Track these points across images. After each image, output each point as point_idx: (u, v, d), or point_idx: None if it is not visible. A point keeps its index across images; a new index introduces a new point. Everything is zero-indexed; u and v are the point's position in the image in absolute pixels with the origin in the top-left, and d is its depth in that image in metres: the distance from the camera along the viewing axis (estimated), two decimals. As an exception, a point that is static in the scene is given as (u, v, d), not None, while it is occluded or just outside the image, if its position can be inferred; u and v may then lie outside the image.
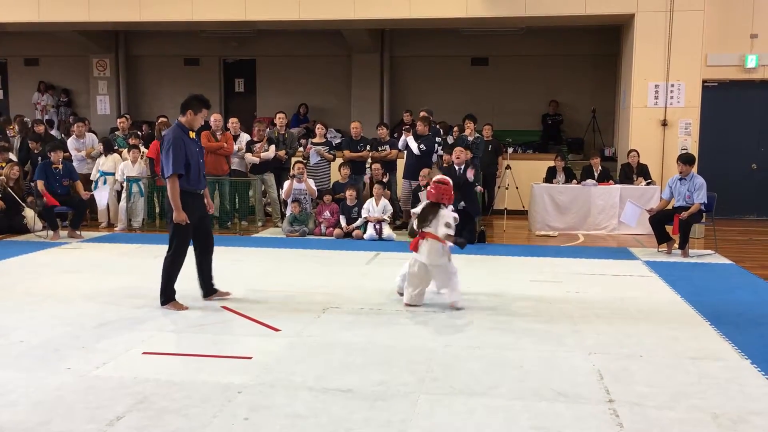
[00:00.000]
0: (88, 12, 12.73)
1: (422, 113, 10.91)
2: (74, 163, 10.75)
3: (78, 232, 9.73)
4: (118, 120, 12.44)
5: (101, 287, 6.59)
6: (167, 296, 5.82)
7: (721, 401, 3.89)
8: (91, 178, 10.84)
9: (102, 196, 10.68)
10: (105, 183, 10.78)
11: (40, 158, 10.72)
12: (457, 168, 9.52)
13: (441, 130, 11.29)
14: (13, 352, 4.67)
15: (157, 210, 10.90)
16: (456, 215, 5.96)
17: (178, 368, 4.36)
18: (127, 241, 9.41)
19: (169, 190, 5.65)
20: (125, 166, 10.72)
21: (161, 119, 11.54)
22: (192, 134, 5.80)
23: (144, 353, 4.65)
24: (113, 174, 10.89)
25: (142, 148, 11.00)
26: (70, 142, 11.32)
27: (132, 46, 16.51)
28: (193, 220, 5.75)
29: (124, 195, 10.68)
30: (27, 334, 5.06)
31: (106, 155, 10.92)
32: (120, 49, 16.35)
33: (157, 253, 8.42)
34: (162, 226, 10.70)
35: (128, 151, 10.80)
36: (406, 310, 5.83)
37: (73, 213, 9.83)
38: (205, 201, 6.08)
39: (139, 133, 12.31)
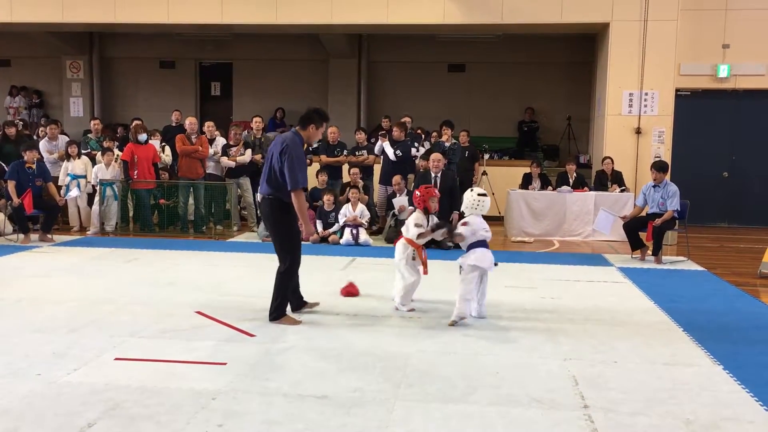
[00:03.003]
0: (62, 13, 12.56)
1: (404, 119, 10.94)
2: (47, 166, 10.57)
3: (49, 236, 9.58)
4: (92, 122, 12.26)
5: (73, 292, 6.49)
6: (279, 313, 5.51)
7: (694, 407, 3.93)
8: (60, 183, 10.66)
9: (73, 192, 10.50)
10: (78, 186, 10.62)
11: (2, 164, 10.50)
12: (433, 175, 9.53)
13: (422, 136, 11.31)
14: (-20, 358, 4.57)
15: (131, 213, 10.77)
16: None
17: (150, 374, 4.29)
18: (99, 245, 9.28)
19: (296, 204, 5.33)
20: (99, 169, 10.58)
21: (136, 122, 11.41)
22: (304, 146, 5.58)
23: (116, 359, 4.58)
24: (84, 177, 10.74)
25: (117, 151, 10.87)
26: (42, 145, 11.14)
27: (106, 48, 16.33)
28: (297, 228, 5.54)
29: (97, 198, 10.54)
30: (-5, 339, 4.95)
31: (75, 158, 10.76)
32: (94, 50, 16.16)
33: (131, 257, 8.37)
34: (135, 230, 10.58)
35: (102, 154, 10.66)
36: (389, 317, 5.80)
37: (44, 216, 9.67)
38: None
39: (115, 136, 12.21)
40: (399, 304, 5.98)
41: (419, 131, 11.52)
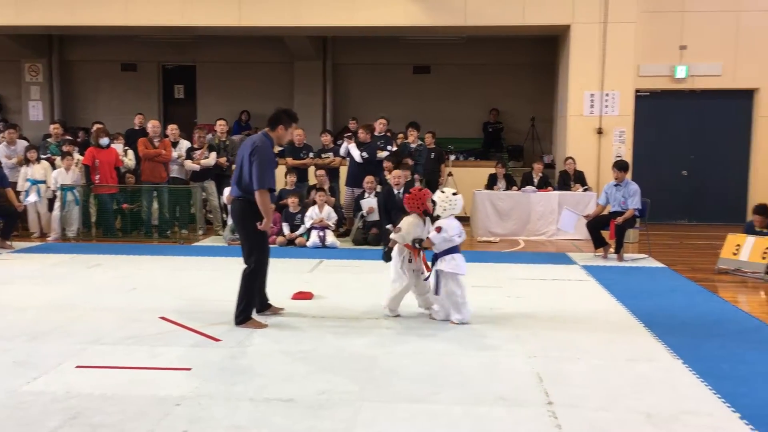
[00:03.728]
0: (17, 15, 12.30)
1: (380, 120, 10.93)
2: (5, 171, 10.36)
3: (8, 243, 9.37)
4: (51, 126, 12.05)
5: (33, 299, 6.36)
6: (246, 315, 5.46)
7: (655, 401, 4.01)
8: (19, 188, 10.44)
9: (32, 198, 10.30)
10: (38, 192, 10.42)
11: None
12: (396, 191, 9.53)
13: (395, 139, 11.31)
14: (-64, 368, 4.46)
15: (93, 219, 10.60)
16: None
17: (113, 381, 4.24)
18: (61, 251, 9.11)
19: (259, 202, 5.32)
20: (59, 173, 10.39)
21: (97, 125, 11.24)
22: (276, 149, 5.56)
23: (78, 366, 4.51)
24: (44, 182, 10.54)
25: (77, 155, 10.69)
26: (0, 150, 10.91)
27: (66, 51, 16.04)
28: (264, 232, 5.51)
29: (57, 204, 10.35)
30: (-48, 349, 4.84)
31: (34, 163, 10.55)
32: (53, 53, 15.85)
33: (93, 262, 8.23)
34: (98, 235, 10.42)
35: (62, 159, 10.48)
36: (355, 320, 5.79)
37: (3, 222, 9.46)
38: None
39: (76, 140, 12.00)
40: (386, 308, 5.82)
41: (389, 133, 11.54)
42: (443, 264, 5.57)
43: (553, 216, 10.71)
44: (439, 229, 5.55)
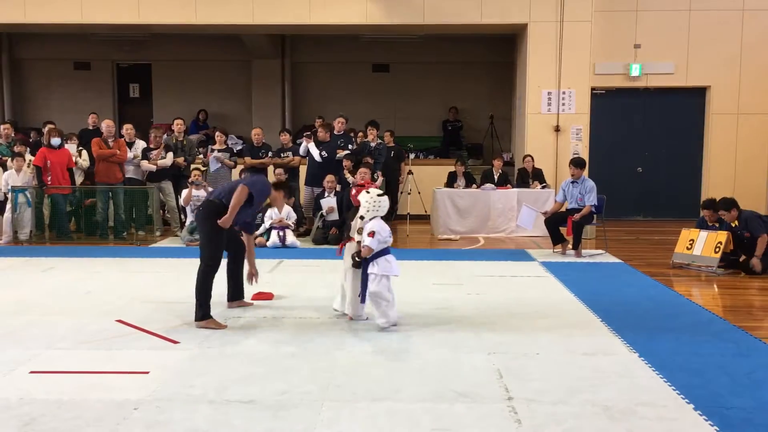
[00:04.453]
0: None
1: (339, 119, 10.90)
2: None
3: (-43, 246, 9.10)
4: (2, 127, 11.70)
5: (-17, 304, 6.18)
6: (204, 312, 5.48)
7: (612, 394, 4.08)
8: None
9: None
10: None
11: None
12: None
13: (354, 138, 11.29)
14: None
15: (47, 221, 10.35)
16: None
17: (69, 387, 4.14)
18: (13, 255, 8.88)
19: (236, 194, 5.47)
20: (9, 175, 10.11)
21: (49, 125, 10.97)
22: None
23: (31, 372, 4.39)
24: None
25: (28, 156, 10.42)
26: (-52, 150, 10.58)
27: (17, 49, 15.63)
28: (229, 231, 5.67)
29: (8, 206, 10.07)
30: None
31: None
32: (3, 52, 15.43)
33: (47, 266, 8.04)
34: (51, 238, 10.18)
35: (12, 160, 10.20)
36: (315, 319, 5.77)
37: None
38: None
39: (28, 140, 11.69)
40: (352, 314, 5.68)
41: (351, 133, 11.53)
42: (375, 267, 5.37)
43: (513, 213, 10.82)
44: (372, 234, 5.34)
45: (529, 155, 11.52)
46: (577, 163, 9.27)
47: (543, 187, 11.14)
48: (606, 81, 12.64)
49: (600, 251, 9.33)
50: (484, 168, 12.35)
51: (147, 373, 4.40)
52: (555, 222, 9.18)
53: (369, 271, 5.41)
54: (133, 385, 4.17)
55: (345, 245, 5.78)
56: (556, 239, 9.20)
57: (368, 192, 5.62)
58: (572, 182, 9.20)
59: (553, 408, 3.86)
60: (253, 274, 6.05)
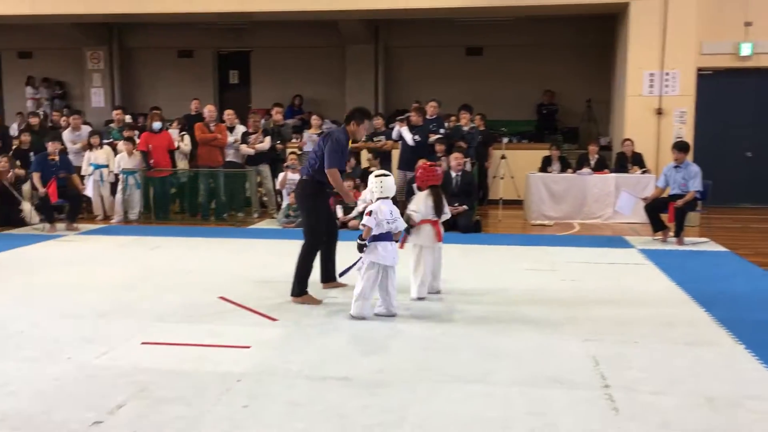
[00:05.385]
0: (83, 4, 12.66)
1: (431, 103, 10.92)
2: (69, 156, 10.74)
3: (75, 225, 9.73)
4: (114, 112, 12.41)
5: (99, 278, 6.61)
6: (301, 289, 5.72)
7: (716, 386, 3.93)
8: (83, 173, 10.81)
9: (89, 186, 10.66)
10: (101, 177, 10.78)
11: (32, 153, 10.69)
12: (454, 174, 9.56)
13: (447, 123, 11.27)
14: (13, 343, 4.69)
15: (152, 202, 10.90)
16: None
17: (176, 358, 4.38)
18: (123, 233, 9.42)
19: (332, 182, 5.75)
20: (121, 158, 10.71)
21: (154, 111, 11.52)
22: (350, 143, 6.06)
23: (143, 343, 4.67)
24: (106, 166, 10.88)
25: (138, 141, 10.99)
26: (66, 135, 11.31)
27: (126, 39, 16.45)
28: (326, 213, 5.98)
29: (120, 187, 10.68)
30: (26, 325, 5.07)
31: (97, 148, 10.91)
32: (114, 41, 16.28)
33: (154, 244, 8.48)
34: (162, 217, 10.71)
35: (124, 143, 10.79)
36: (410, 300, 5.80)
37: (69, 206, 9.82)
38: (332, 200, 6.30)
39: (137, 125, 12.31)
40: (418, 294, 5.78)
41: (449, 117, 11.53)
42: (369, 253, 5.22)
43: (610, 199, 10.52)
44: (369, 213, 5.24)
45: (629, 139, 11.14)
46: (680, 147, 8.90)
47: (643, 172, 10.77)
48: (713, 61, 12.00)
49: (704, 239, 8.94)
50: (579, 153, 12.05)
51: (248, 347, 4.59)
52: (656, 208, 8.86)
53: (361, 254, 5.26)
54: (235, 359, 4.37)
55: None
56: (657, 226, 8.88)
57: (371, 171, 5.75)
58: (675, 167, 8.85)
59: (652, 398, 3.76)
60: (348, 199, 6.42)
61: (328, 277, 6.19)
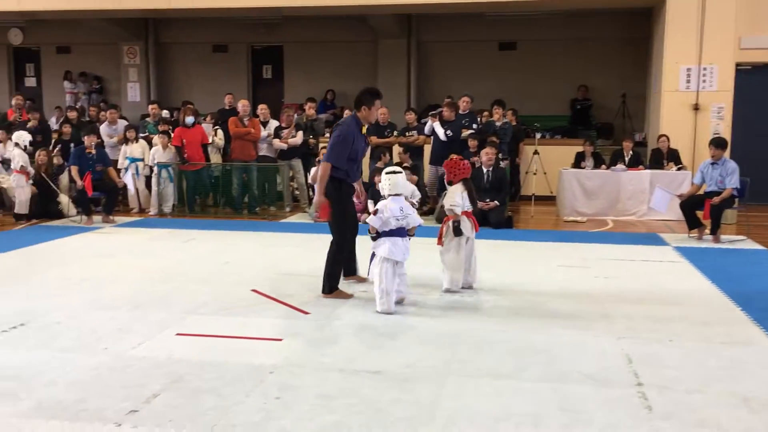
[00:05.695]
0: (119, 0, 12.86)
1: (464, 98, 10.88)
2: (106, 149, 10.92)
3: (111, 217, 9.90)
4: (150, 107, 12.59)
5: (134, 270, 6.72)
6: (332, 286, 5.71)
7: (753, 385, 3.87)
8: (119, 166, 10.99)
9: (127, 178, 10.84)
10: (137, 170, 10.95)
11: (72, 144, 10.93)
12: (485, 170, 9.54)
13: (479, 118, 11.23)
14: (51, 333, 4.79)
15: (185, 196, 11.03)
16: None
17: (210, 349, 4.45)
18: (158, 226, 9.56)
19: (319, 172, 5.70)
20: (156, 151, 10.87)
21: (188, 106, 11.66)
22: (364, 129, 5.82)
23: (177, 334, 4.75)
24: (141, 160, 11.05)
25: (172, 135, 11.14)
26: (103, 129, 11.50)
27: (161, 34, 16.65)
28: (348, 207, 5.87)
29: (154, 180, 10.84)
30: (64, 316, 5.19)
31: (133, 142, 11.09)
32: (149, 36, 16.50)
33: (188, 237, 8.60)
34: (197, 210, 10.84)
35: (159, 137, 10.94)
36: (440, 295, 5.83)
37: (106, 198, 10.00)
38: (357, 188, 6.05)
39: (172, 119, 12.47)
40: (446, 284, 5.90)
41: (481, 113, 11.49)
42: (379, 248, 5.29)
43: (644, 195, 10.38)
44: (375, 212, 5.31)
45: (665, 135, 10.97)
46: (718, 143, 8.75)
47: (678, 169, 10.60)
48: (753, 56, 11.72)
49: (741, 237, 8.78)
50: (614, 148, 11.90)
51: (280, 340, 4.64)
52: (691, 205, 8.72)
53: (373, 249, 5.36)
54: (268, 351, 4.41)
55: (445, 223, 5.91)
56: (693, 223, 8.74)
57: (382, 168, 5.74)
58: (712, 164, 8.69)
59: (686, 396, 3.71)
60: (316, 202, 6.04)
61: (349, 270, 6.13)
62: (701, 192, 8.86)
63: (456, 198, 5.89)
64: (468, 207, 5.94)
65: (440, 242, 5.91)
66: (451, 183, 6.06)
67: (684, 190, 9.42)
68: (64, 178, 10.74)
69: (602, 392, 3.77)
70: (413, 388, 3.82)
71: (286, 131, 10.98)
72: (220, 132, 11.51)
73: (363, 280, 6.13)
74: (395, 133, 11.22)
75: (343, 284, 5.96)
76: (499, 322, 5.10)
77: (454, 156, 6.32)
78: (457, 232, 5.78)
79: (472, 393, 3.76)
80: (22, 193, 9.97)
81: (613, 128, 14.29)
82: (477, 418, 3.44)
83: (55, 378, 3.94)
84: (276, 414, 3.48)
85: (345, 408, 3.55)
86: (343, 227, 5.78)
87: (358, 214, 8.63)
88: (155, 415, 3.45)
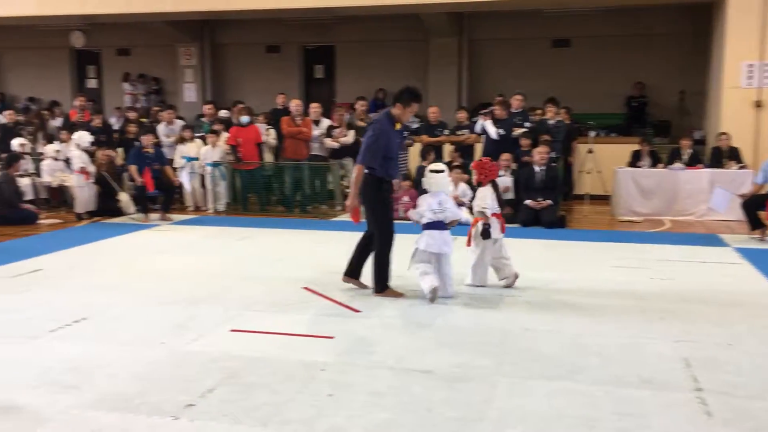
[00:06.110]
0: (175, 2, 13.15)
1: (516, 97, 10.79)
2: (163, 149, 11.19)
3: (168, 215, 10.14)
4: (205, 107, 12.84)
5: (191, 267, 6.87)
6: (383, 285, 5.71)
7: (818, 393, 3.73)
8: (176, 165, 11.24)
9: (185, 180, 11.09)
10: (192, 169, 11.19)
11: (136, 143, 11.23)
12: (537, 169, 9.45)
13: (530, 116, 11.12)
14: (111, 327, 4.94)
15: (239, 194, 11.21)
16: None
17: (263, 345, 4.51)
18: (213, 224, 9.75)
19: (354, 176, 5.73)
20: (207, 151, 11.08)
21: (239, 105, 11.85)
22: (398, 125, 5.77)
23: (232, 330, 4.83)
24: (197, 159, 11.28)
25: (224, 134, 11.30)
26: (160, 129, 11.79)
27: (217, 35, 16.97)
28: (389, 205, 5.83)
29: (208, 179, 11.05)
30: (123, 310, 5.34)
31: (189, 141, 11.33)
32: (205, 37, 16.84)
33: (241, 235, 8.74)
34: (249, 209, 11.01)
35: (209, 136, 11.15)
36: (474, 292, 5.84)
37: (163, 197, 10.25)
38: (396, 185, 6.01)
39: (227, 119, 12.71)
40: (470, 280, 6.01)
41: (536, 111, 11.37)
42: (420, 241, 5.60)
43: (703, 195, 10.10)
44: (415, 206, 5.72)
45: (725, 133, 10.66)
46: (781, 141, 8.45)
47: (740, 168, 10.28)
48: (819, 50, 11.31)
49: (806, 239, 8.46)
50: (671, 147, 11.61)
51: (332, 338, 4.67)
52: (753, 205, 8.45)
53: (416, 242, 5.62)
54: (319, 348, 4.46)
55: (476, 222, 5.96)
56: (754, 224, 8.47)
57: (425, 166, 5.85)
58: (775, 162, 8.41)
59: (748, 402, 3.60)
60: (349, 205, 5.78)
61: (353, 272, 5.95)
62: (763, 192, 8.57)
63: (487, 200, 5.92)
64: (497, 209, 5.97)
65: (469, 244, 5.98)
66: (480, 184, 6.05)
67: (745, 189, 9.14)
68: (125, 177, 11.06)
69: (659, 397, 3.68)
70: (464, 388, 3.80)
71: (337, 130, 11.05)
72: (272, 131, 11.66)
73: (362, 287, 5.93)
74: (446, 131, 11.17)
75: (340, 284, 5.94)
76: (551, 322, 5.04)
77: (483, 158, 6.31)
78: (486, 234, 5.81)
79: (523, 394, 3.72)
80: (81, 192, 10.30)
81: (670, 126, 13.96)
82: (528, 419, 3.41)
83: (117, 371, 4.06)
84: (328, 410, 3.51)
85: (396, 406, 3.56)
86: (387, 225, 5.71)
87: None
88: (211, 409, 3.52)
